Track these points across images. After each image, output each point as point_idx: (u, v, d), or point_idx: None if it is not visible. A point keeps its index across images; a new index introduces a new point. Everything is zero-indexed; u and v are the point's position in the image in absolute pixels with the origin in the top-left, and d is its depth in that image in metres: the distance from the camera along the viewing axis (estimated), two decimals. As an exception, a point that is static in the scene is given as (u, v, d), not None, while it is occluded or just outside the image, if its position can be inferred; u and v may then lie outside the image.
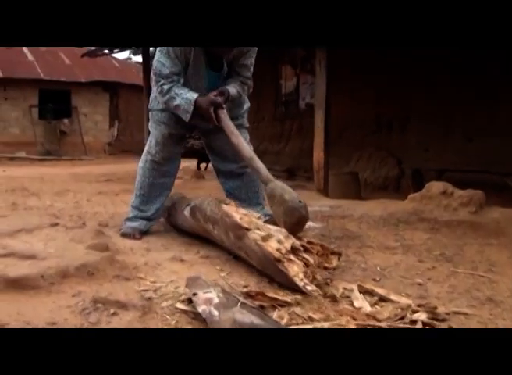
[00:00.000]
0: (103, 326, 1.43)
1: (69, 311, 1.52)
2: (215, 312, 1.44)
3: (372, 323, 1.52)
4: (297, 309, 1.61)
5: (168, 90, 2.58)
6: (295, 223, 2.17)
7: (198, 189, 5.87)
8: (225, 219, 2.27)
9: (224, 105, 2.60)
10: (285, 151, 9.37)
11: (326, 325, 1.44)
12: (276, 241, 2.03)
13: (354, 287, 1.91)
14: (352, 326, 1.45)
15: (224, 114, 2.58)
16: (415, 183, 6.91)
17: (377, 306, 1.74)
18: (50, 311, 1.51)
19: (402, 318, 1.61)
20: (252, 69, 2.77)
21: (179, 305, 1.63)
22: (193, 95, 2.56)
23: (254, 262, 2.10)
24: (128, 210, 3.07)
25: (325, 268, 2.02)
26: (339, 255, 2.10)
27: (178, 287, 1.84)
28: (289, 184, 3.16)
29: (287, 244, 2.00)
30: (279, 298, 1.69)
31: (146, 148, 2.88)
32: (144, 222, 2.82)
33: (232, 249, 2.28)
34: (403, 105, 7.23)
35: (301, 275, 1.88)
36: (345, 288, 1.91)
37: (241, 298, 1.59)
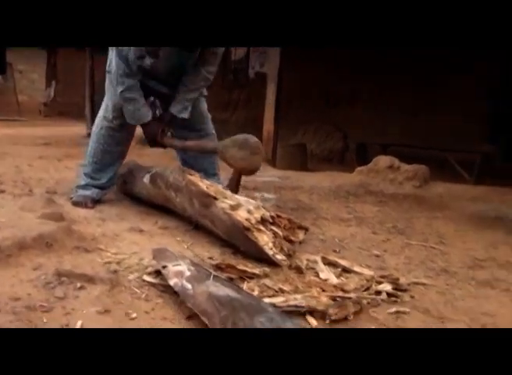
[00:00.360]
0: (70, 300, 1.36)
1: (31, 285, 1.43)
2: (189, 286, 1.41)
3: (341, 294, 1.55)
4: (267, 281, 1.61)
5: (126, 89, 2.54)
6: (251, 153, 2.27)
7: (144, 156, 5.68)
8: (190, 187, 2.23)
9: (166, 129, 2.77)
10: (231, 120, 9.29)
11: (298, 297, 1.45)
12: (246, 210, 2.01)
13: (318, 258, 1.94)
14: (323, 297, 1.48)
15: (166, 138, 2.79)
16: (359, 156, 7.11)
17: (342, 278, 1.77)
18: (11, 285, 1.41)
19: (367, 289, 1.66)
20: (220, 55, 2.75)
21: (147, 278, 1.59)
22: (146, 116, 2.63)
23: (219, 232, 2.07)
24: (75, 177, 2.95)
25: (291, 241, 2.03)
26: (306, 229, 2.13)
27: (142, 259, 1.79)
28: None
29: (257, 215, 1.99)
30: (248, 270, 1.68)
31: (101, 112, 2.73)
32: (97, 190, 2.70)
33: (195, 218, 2.25)
34: (351, 82, 7.33)
35: (271, 244, 1.88)
36: (309, 260, 1.93)
37: (212, 271, 1.57)
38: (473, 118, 6.01)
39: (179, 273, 1.50)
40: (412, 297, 1.68)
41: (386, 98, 6.99)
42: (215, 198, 2.10)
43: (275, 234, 2.00)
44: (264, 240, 1.91)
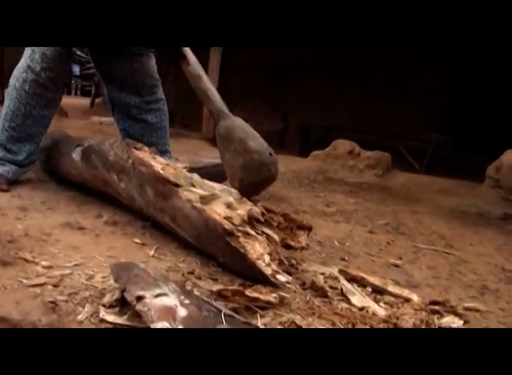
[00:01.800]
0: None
1: None
2: (191, 338, 0.84)
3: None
4: (296, 317, 1.07)
5: None
6: (257, 183, 1.60)
7: (64, 128, 4.89)
8: (139, 169, 1.61)
9: None
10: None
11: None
12: (224, 204, 1.43)
13: (335, 272, 1.43)
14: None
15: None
16: (303, 139, 6.72)
17: (381, 303, 1.28)
18: None
19: (427, 324, 1.18)
20: None
21: (107, 316, 0.98)
22: None
23: (186, 234, 1.49)
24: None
25: (289, 247, 1.49)
26: (309, 230, 1.57)
27: (91, 278, 1.17)
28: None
29: (242, 211, 1.40)
30: (262, 297, 1.13)
31: (24, 61, 1.99)
32: (13, 167, 2.00)
33: (149, 212, 1.64)
34: (296, 61, 6.89)
35: (267, 258, 1.32)
36: (324, 274, 1.42)
37: (214, 303, 1.00)
38: (423, 107, 5.80)
39: (167, 310, 0.91)
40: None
41: (332, 81, 6.62)
42: (177, 185, 1.50)
43: (268, 239, 1.44)
44: (257, 250, 1.32)
